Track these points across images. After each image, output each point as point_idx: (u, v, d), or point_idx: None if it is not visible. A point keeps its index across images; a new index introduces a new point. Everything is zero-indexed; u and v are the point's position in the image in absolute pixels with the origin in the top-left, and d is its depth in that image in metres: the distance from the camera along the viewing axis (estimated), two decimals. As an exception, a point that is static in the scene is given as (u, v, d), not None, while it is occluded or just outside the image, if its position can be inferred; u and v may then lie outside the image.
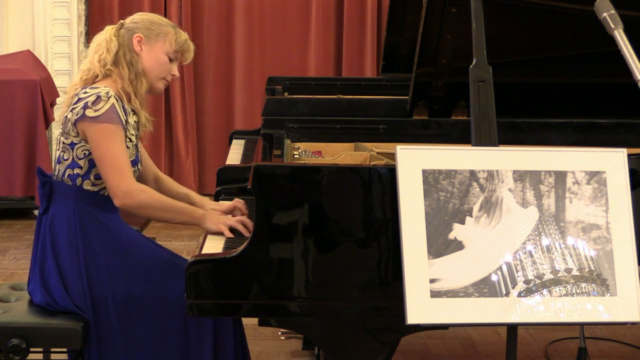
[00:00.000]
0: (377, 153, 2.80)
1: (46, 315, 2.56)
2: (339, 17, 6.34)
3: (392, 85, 3.98)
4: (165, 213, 2.61)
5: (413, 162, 1.95)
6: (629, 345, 3.77)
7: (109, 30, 2.71)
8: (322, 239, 2.24)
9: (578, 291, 1.93)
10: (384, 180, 2.24)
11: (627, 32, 2.02)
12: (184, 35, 2.74)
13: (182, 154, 6.31)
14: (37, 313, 2.58)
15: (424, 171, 1.95)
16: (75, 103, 2.58)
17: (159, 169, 3.01)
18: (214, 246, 2.48)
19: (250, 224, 2.55)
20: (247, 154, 3.59)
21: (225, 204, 2.78)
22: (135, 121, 2.67)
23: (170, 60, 2.71)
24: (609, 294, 1.94)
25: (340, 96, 3.84)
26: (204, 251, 2.42)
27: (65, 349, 2.67)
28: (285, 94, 3.94)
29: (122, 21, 2.74)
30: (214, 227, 2.57)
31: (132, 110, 2.66)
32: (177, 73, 2.75)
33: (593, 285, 1.94)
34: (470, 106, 2.21)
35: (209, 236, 2.56)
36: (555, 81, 3.17)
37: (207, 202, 2.85)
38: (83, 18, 6.10)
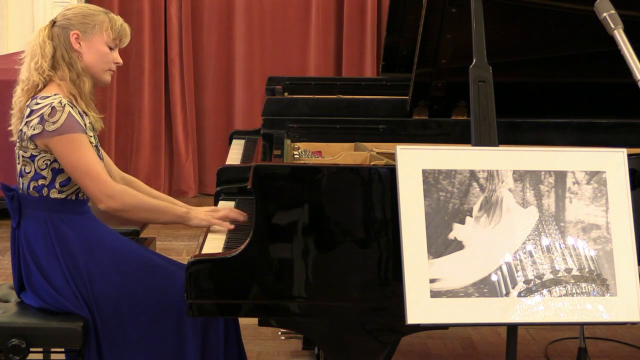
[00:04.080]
0: (377, 153, 2.80)
1: (46, 315, 2.56)
2: (339, 17, 6.34)
3: (392, 85, 3.99)
4: (149, 213, 2.59)
5: (413, 162, 1.95)
6: (629, 345, 3.77)
7: (41, 33, 2.62)
8: (322, 239, 2.24)
9: (578, 291, 1.93)
10: (384, 180, 2.24)
11: (627, 32, 2.02)
12: (119, 20, 2.67)
13: (182, 154, 6.30)
14: (37, 313, 2.58)
15: (424, 171, 1.95)
16: (28, 116, 2.53)
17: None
18: (214, 246, 2.48)
19: (238, 213, 2.56)
20: (247, 154, 3.59)
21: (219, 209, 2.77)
22: (90, 122, 2.61)
23: (111, 48, 2.65)
24: (609, 294, 1.94)
25: (340, 96, 3.84)
26: (204, 251, 2.42)
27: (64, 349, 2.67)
28: (285, 94, 3.94)
29: (53, 19, 2.66)
30: (202, 222, 2.57)
31: (85, 112, 2.60)
32: (120, 60, 2.68)
33: (593, 285, 1.94)
34: (470, 106, 2.21)
35: (208, 236, 2.56)
36: (555, 81, 3.17)
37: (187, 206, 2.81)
38: (83, 18, 6.10)
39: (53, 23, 2.64)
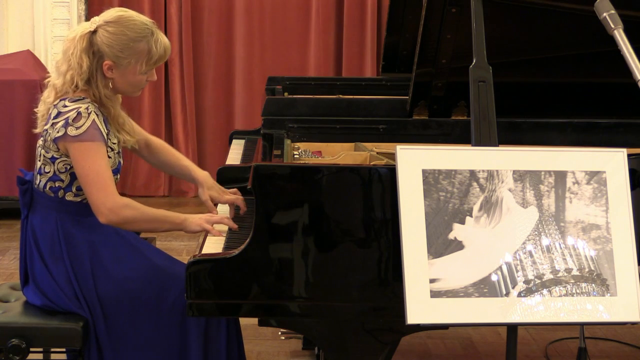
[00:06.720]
0: (377, 153, 2.80)
1: (46, 315, 2.56)
2: (339, 17, 6.34)
3: (392, 85, 3.99)
4: (149, 224, 2.59)
5: (413, 162, 1.95)
6: (629, 345, 3.77)
7: (78, 44, 2.54)
8: (322, 239, 2.24)
9: (578, 291, 1.93)
10: (384, 180, 2.24)
11: (627, 32, 2.02)
12: (158, 50, 2.57)
13: (182, 154, 6.30)
14: (37, 313, 2.58)
15: (424, 171, 1.95)
16: (55, 117, 2.52)
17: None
18: (214, 246, 2.48)
19: (231, 222, 2.57)
20: (247, 154, 3.59)
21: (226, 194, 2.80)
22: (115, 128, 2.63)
23: (145, 71, 2.59)
24: (609, 294, 1.94)
25: (340, 96, 3.84)
26: (204, 251, 2.42)
27: (65, 349, 2.67)
28: (285, 94, 3.94)
29: (92, 29, 2.55)
30: (196, 228, 2.56)
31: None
32: (154, 77, 2.64)
33: (593, 285, 1.94)
34: (470, 106, 2.21)
35: (209, 236, 2.56)
36: (555, 81, 3.17)
37: (208, 178, 2.85)
38: (83, 18, 6.10)
39: (92, 33, 2.55)
